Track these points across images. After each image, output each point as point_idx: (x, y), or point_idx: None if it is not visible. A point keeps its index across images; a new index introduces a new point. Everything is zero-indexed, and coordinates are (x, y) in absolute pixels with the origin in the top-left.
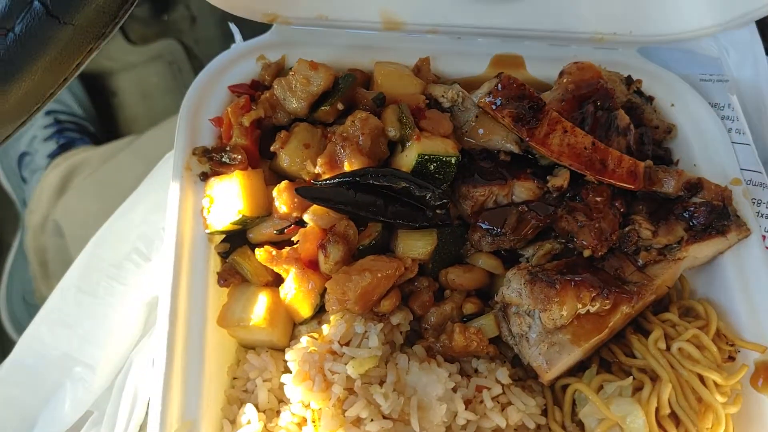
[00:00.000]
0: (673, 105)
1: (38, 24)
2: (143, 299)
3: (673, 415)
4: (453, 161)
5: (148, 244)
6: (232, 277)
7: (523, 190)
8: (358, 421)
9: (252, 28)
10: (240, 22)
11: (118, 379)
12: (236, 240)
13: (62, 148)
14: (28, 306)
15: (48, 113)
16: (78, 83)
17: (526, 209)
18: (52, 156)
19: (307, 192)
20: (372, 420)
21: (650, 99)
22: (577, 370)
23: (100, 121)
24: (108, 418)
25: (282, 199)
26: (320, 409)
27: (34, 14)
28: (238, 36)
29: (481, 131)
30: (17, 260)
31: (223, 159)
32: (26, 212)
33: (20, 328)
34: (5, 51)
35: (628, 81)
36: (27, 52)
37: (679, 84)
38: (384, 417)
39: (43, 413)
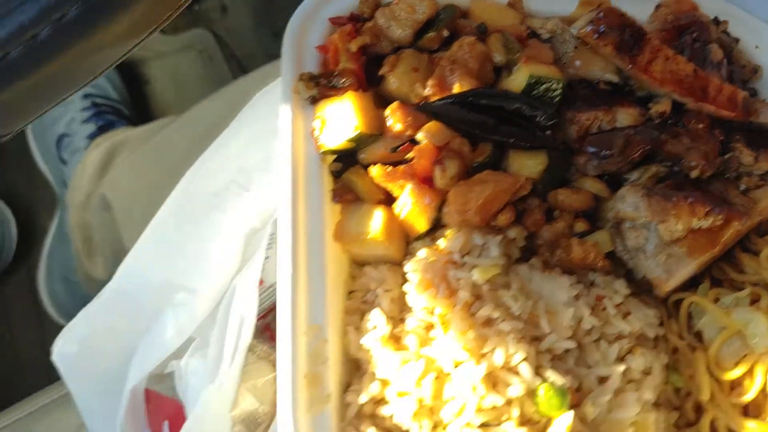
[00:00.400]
0: (757, 47)
1: None
2: (243, 230)
3: None
4: (560, 84)
5: (246, 176)
6: (345, 194)
7: (625, 116)
8: (488, 322)
9: None
10: None
11: (221, 305)
12: (348, 160)
13: (101, 130)
14: (68, 284)
15: (85, 96)
16: (113, 70)
17: (633, 132)
18: (92, 137)
19: (425, 107)
20: (503, 320)
21: (736, 40)
22: (689, 287)
23: (135, 106)
24: (214, 343)
25: (396, 117)
26: (446, 314)
27: None
28: None
29: (578, 63)
30: (56, 241)
31: (333, 83)
32: (68, 191)
33: (61, 308)
34: None
35: (716, 21)
36: None
37: (762, 27)
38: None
39: (144, 340)
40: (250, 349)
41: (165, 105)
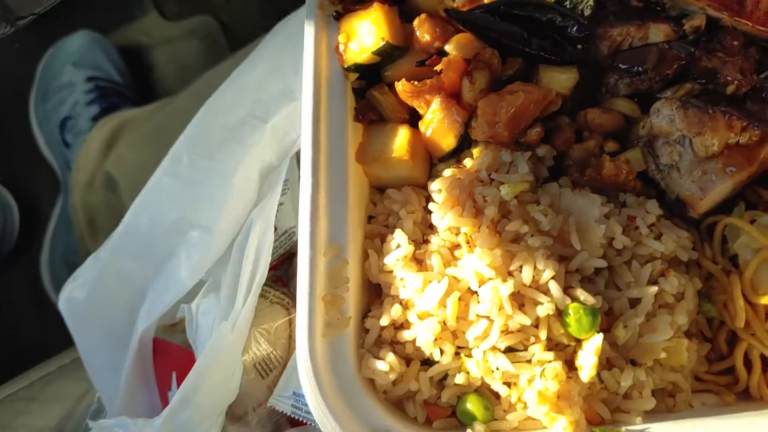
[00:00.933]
0: None
1: None
2: (259, 165)
3: None
4: None
5: (264, 108)
6: (368, 112)
7: (658, 32)
8: (516, 239)
9: None
10: None
11: (236, 242)
12: (372, 78)
13: (105, 112)
14: (71, 268)
15: (89, 79)
16: (117, 54)
17: (666, 47)
18: (96, 118)
19: (457, 14)
20: (532, 235)
21: None
22: (721, 211)
23: (139, 92)
24: (227, 283)
25: (424, 28)
26: (472, 232)
27: None
28: None
29: None
30: (59, 225)
31: None
32: (72, 173)
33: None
34: None
35: None
36: None
37: None
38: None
39: (154, 283)
40: (263, 295)
41: (169, 90)
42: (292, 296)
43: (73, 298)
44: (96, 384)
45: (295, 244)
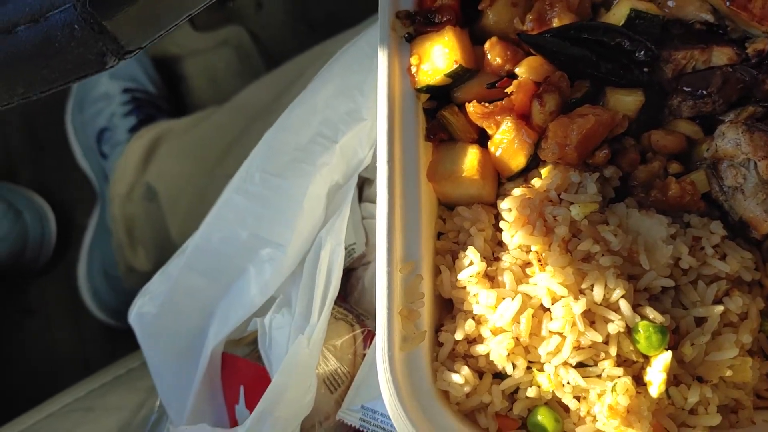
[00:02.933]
0: None
1: None
2: (327, 184)
3: None
4: (659, 20)
5: (333, 128)
6: (439, 132)
7: (721, 56)
8: (587, 258)
9: None
10: None
11: (307, 259)
12: (442, 99)
13: (142, 123)
14: (109, 279)
15: (125, 91)
16: (151, 66)
17: (730, 70)
18: (133, 130)
19: (528, 38)
20: (603, 255)
21: None
22: None
23: (172, 102)
24: (300, 298)
25: (495, 51)
26: (543, 250)
27: None
28: None
29: (672, 3)
30: (96, 236)
31: (431, 18)
32: (110, 183)
33: (101, 303)
34: None
35: None
36: None
37: None
38: (612, 254)
39: (225, 300)
40: None
41: (201, 101)
42: (354, 312)
43: (144, 313)
44: (163, 397)
45: (354, 260)
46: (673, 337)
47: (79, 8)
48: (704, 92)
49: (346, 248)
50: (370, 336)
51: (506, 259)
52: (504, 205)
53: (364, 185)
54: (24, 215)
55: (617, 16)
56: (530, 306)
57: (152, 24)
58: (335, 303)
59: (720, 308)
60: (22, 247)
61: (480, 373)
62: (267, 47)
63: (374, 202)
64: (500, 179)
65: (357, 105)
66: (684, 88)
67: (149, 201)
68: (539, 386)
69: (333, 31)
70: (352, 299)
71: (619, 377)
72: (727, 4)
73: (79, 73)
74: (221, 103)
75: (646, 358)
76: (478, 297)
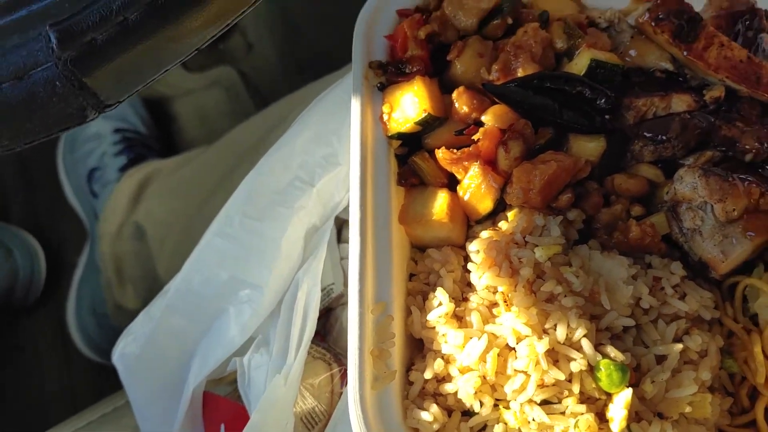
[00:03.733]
0: None
1: None
2: (305, 227)
3: None
4: (619, 69)
5: (310, 172)
6: (410, 177)
7: (680, 102)
8: (550, 298)
9: None
10: None
11: (285, 300)
12: (413, 145)
13: (133, 162)
14: (97, 317)
15: (116, 131)
16: (141, 106)
17: (689, 117)
18: (124, 169)
19: (493, 88)
20: (565, 296)
21: None
22: (743, 271)
23: (163, 142)
24: (277, 338)
25: (462, 100)
26: (509, 291)
27: None
28: None
29: (634, 52)
30: (85, 274)
31: (401, 69)
32: (99, 222)
33: (89, 341)
34: None
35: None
36: None
37: None
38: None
39: (205, 340)
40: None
41: (192, 141)
42: (332, 351)
43: (127, 354)
44: None
45: (333, 300)
46: (634, 375)
47: (61, 66)
48: (664, 138)
49: (323, 289)
50: (347, 375)
51: (474, 300)
52: (472, 247)
53: (343, 226)
54: (14, 253)
55: (579, 66)
56: (496, 345)
57: (131, 79)
58: (313, 342)
59: (679, 346)
60: (12, 284)
61: (449, 411)
62: (257, 87)
63: None
64: (469, 222)
65: (334, 150)
66: (645, 133)
67: (138, 240)
68: (506, 423)
69: (322, 72)
70: (330, 338)
71: (582, 414)
72: (685, 53)
73: (61, 126)
74: (211, 142)
75: (608, 395)
76: (447, 337)
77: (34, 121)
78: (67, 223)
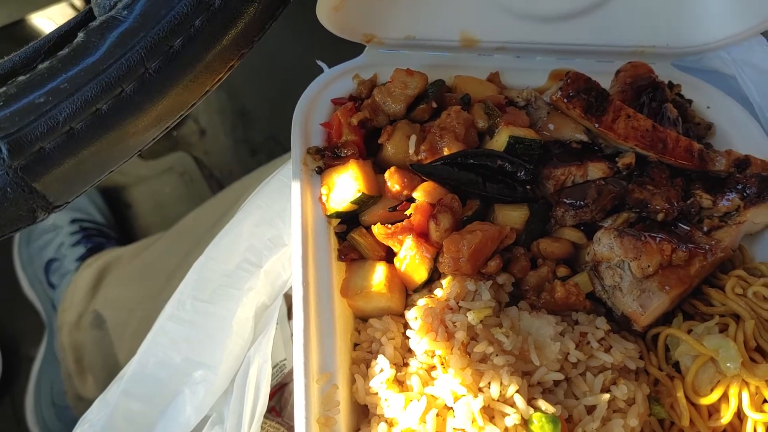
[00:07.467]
0: (708, 107)
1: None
2: (254, 306)
3: (758, 350)
4: (537, 143)
5: (257, 254)
6: (350, 252)
7: (596, 170)
8: (483, 358)
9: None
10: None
11: (237, 378)
12: (351, 222)
13: (91, 252)
14: (57, 408)
15: (73, 221)
16: (98, 195)
17: (603, 183)
18: (82, 259)
19: (420, 168)
20: (497, 355)
21: (689, 101)
22: (664, 323)
23: (120, 229)
24: (231, 415)
25: (394, 179)
26: (445, 354)
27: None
28: (326, 68)
29: (551, 126)
30: (44, 367)
31: (337, 153)
32: (58, 313)
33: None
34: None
35: (670, 85)
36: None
37: (712, 91)
38: (505, 353)
39: (162, 422)
40: (261, 426)
41: (149, 226)
42: (287, 425)
43: None
44: None
45: (286, 375)
46: (566, 426)
47: (12, 174)
48: (582, 203)
49: (275, 365)
50: None
51: (414, 364)
52: (411, 314)
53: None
54: None
55: (499, 142)
56: (435, 406)
57: (78, 182)
58: (268, 417)
59: (607, 396)
60: None
61: None
62: (211, 171)
63: None
64: (408, 291)
65: (279, 231)
66: (565, 200)
67: (98, 328)
68: None
69: (274, 154)
70: (285, 413)
71: None
72: (596, 126)
73: (13, 228)
74: (168, 227)
75: None
76: (389, 401)
77: None
78: (24, 316)
